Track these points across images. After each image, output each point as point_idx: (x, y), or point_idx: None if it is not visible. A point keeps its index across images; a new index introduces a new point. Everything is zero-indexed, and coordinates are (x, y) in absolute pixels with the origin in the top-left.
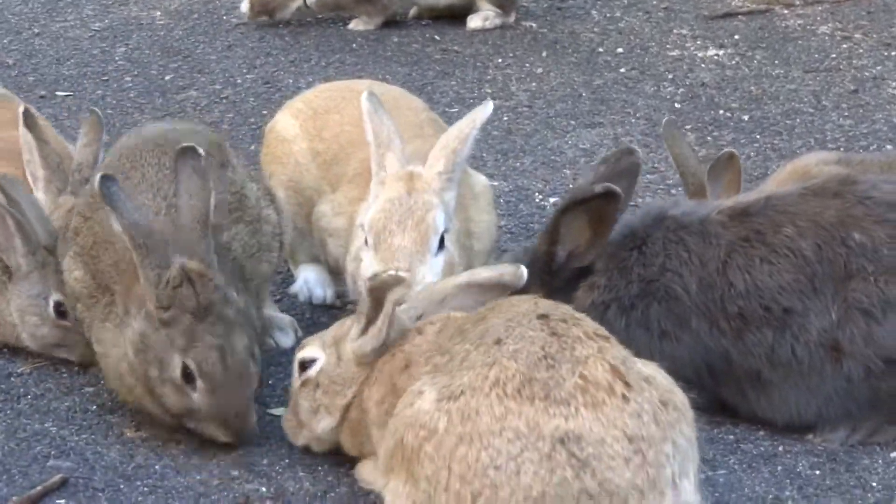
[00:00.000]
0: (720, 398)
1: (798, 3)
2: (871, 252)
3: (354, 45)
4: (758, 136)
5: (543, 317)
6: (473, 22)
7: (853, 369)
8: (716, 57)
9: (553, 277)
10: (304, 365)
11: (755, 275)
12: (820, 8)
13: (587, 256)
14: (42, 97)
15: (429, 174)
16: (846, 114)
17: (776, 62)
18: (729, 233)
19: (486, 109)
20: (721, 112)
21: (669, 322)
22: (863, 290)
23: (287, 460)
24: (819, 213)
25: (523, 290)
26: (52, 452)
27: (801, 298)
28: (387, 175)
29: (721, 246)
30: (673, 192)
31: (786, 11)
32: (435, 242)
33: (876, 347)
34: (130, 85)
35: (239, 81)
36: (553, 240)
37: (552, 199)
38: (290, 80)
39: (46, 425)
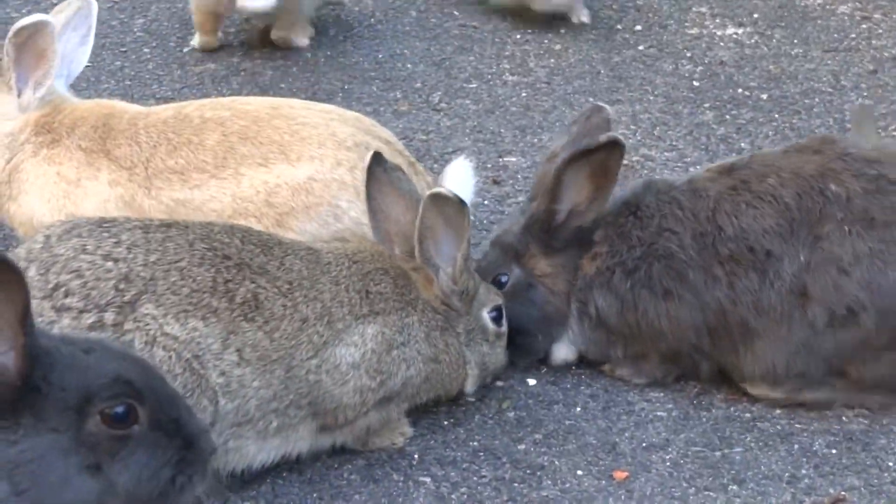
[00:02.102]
0: (718, 362)
1: None
2: (844, 202)
3: (372, 20)
4: (776, 116)
5: None
6: None
7: (818, 316)
8: (735, 35)
9: (552, 237)
10: None
11: (741, 218)
12: None
13: (588, 214)
14: None
15: None
16: (865, 94)
17: (795, 41)
18: (717, 185)
19: None
20: (740, 91)
21: (670, 279)
22: (834, 239)
23: None
24: (800, 166)
25: (524, 252)
26: None
27: (780, 243)
28: None
29: (710, 197)
30: (691, 169)
31: None
32: None
33: (841, 295)
34: (149, 56)
35: (256, 54)
36: (554, 197)
37: None
38: (308, 54)
39: None
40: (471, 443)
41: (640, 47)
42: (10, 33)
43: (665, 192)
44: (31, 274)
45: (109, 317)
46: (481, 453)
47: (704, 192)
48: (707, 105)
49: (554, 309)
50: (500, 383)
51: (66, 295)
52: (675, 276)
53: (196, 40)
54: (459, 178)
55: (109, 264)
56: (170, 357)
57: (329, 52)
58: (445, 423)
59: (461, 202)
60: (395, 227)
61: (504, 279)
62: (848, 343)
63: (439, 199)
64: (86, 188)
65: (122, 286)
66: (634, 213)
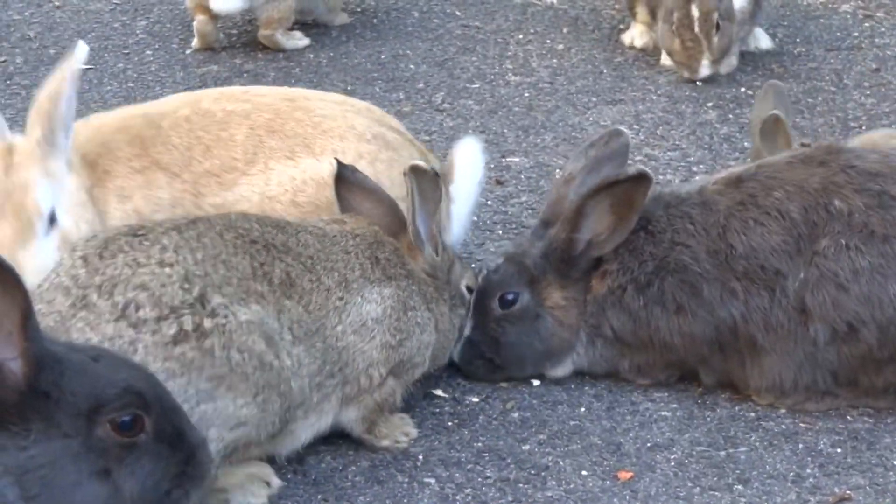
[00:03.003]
0: (726, 374)
1: None
2: (846, 218)
3: (375, 21)
4: None
5: None
6: None
7: (820, 332)
8: None
9: (570, 267)
10: None
11: (750, 236)
12: None
13: (607, 245)
14: None
15: (28, 145)
16: (868, 92)
17: (798, 40)
18: (726, 199)
19: (77, 55)
20: (742, 90)
21: (684, 294)
22: (829, 255)
23: None
24: (805, 179)
25: (540, 279)
26: None
27: (787, 260)
28: None
29: (720, 212)
30: (695, 169)
31: None
32: (40, 225)
33: (841, 311)
34: (151, 59)
35: (259, 56)
36: (574, 227)
37: None
38: (311, 55)
39: None
40: (475, 444)
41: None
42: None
43: (675, 205)
44: (94, 299)
45: (187, 320)
46: (486, 454)
47: (714, 205)
48: (710, 104)
49: (558, 341)
50: (503, 384)
51: (138, 308)
52: (688, 290)
53: (195, 42)
54: (468, 158)
55: (167, 270)
56: (244, 358)
57: (331, 53)
58: (450, 423)
59: (435, 174)
60: (368, 219)
61: (511, 297)
62: (851, 357)
63: (417, 172)
64: (160, 208)
65: (186, 286)
66: (645, 229)
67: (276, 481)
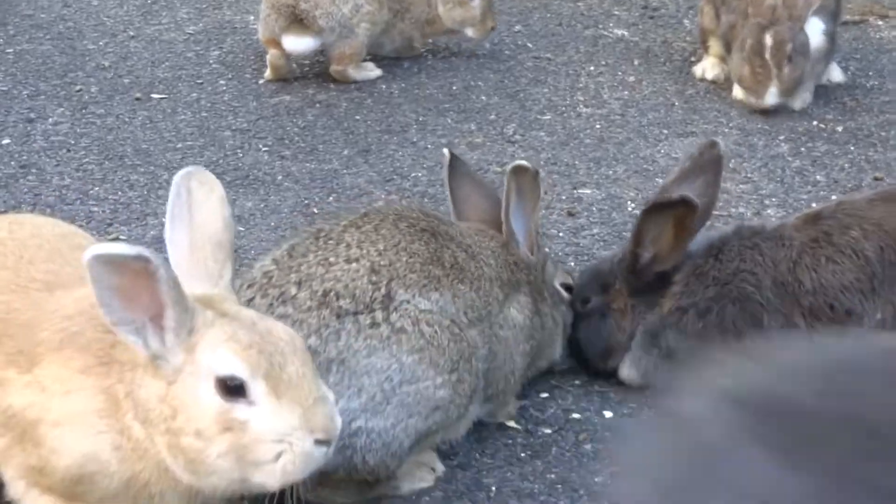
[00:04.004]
0: None
1: (892, 14)
2: None
3: (446, 52)
4: (851, 148)
5: None
6: None
7: None
8: None
9: (635, 278)
10: None
11: (821, 273)
12: None
13: (668, 261)
14: (137, 99)
15: None
16: None
17: (870, 73)
18: (801, 235)
19: None
20: (814, 123)
21: (744, 323)
22: None
23: None
24: (884, 217)
25: (610, 283)
26: None
27: (860, 300)
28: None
29: (793, 247)
30: (766, 202)
31: (880, 23)
32: None
33: None
34: (224, 88)
35: (332, 86)
36: (638, 241)
37: None
38: (383, 86)
39: None
40: (548, 475)
41: (713, 78)
42: None
43: (748, 237)
44: (294, 292)
45: (380, 315)
46: (559, 486)
47: (788, 241)
48: (782, 137)
49: (616, 342)
50: (576, 416)
51: (338, 298)
52: (749, 319)
53: (268, 73)
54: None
55: (354, 265)
56: (436, 331)
57: (403, 84)
58: (522, 455)
59: (537, 172)
60: (475, 211)
61: (586, 299)
62: None
63: (519, 171)
64: None
65: (374, 279)
66: (716, 256)
67: (440, 467)
